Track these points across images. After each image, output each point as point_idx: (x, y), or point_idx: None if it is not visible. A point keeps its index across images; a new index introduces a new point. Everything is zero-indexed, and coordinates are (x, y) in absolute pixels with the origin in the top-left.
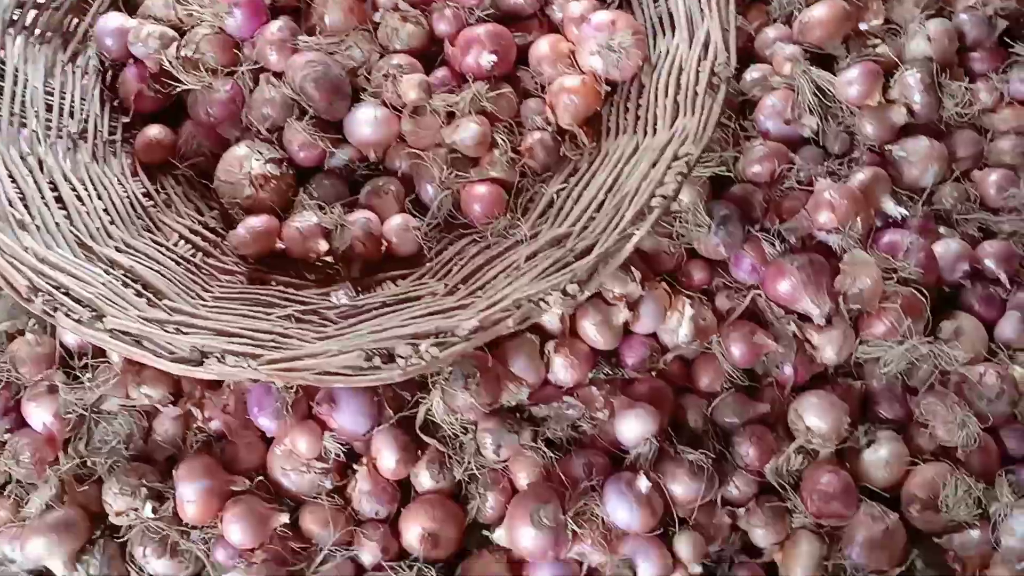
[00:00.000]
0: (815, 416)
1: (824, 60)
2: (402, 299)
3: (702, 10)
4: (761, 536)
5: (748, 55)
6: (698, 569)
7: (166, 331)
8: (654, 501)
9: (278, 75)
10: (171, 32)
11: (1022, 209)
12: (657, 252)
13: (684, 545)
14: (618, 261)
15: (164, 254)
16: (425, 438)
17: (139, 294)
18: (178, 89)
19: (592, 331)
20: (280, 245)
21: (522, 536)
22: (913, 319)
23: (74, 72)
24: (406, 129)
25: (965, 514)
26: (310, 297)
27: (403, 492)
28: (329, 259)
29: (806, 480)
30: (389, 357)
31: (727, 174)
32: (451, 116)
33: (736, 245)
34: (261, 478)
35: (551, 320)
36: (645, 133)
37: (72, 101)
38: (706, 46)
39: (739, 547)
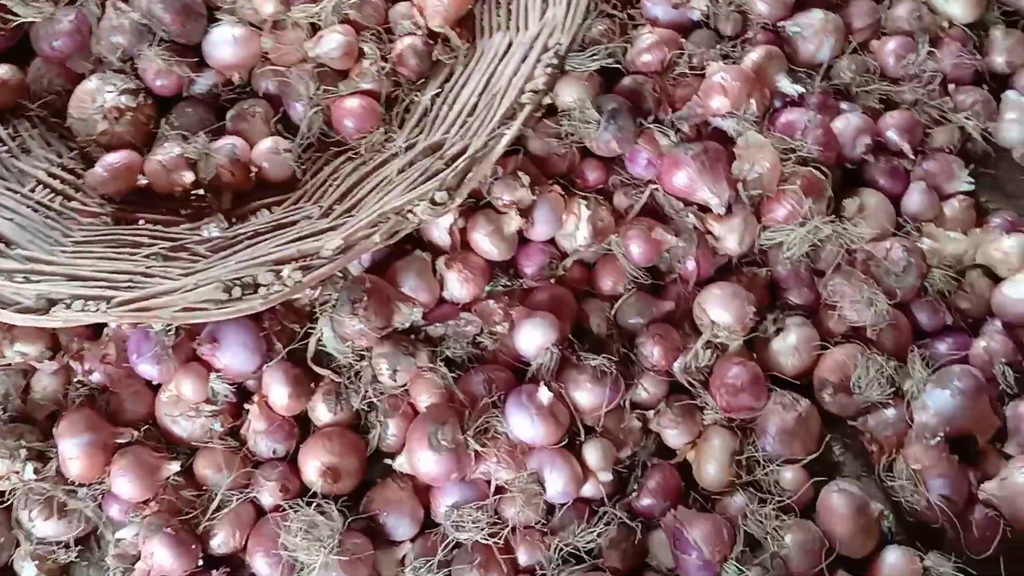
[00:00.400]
0: (719, 308)
1: None
2: (276, 226)
3: None
4: (673, 437)
5: None
6: (608, 476)
7: (13, 281)
8: (557, 412)
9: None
10: None
11: (923, 76)
12: (548, 155)
13: (592, 453)
14: (489, 163)
15: (19, 200)
16: (318, 370)
17: None
18: (17, 22)
19: (484, 242)
20: (143, 181)
21: (422, 460)
22: (814, 199)
23: None
24: (267, 46)
25: (878, 394)
26: (180, 233)
27: (303, 428)
28: (200, 192)
29: (714, 375)
30: (252, 287)
31: (616, 66)
32: (316, 29)
33: (629, 140)
34: (151, 428)
35: (440, 234)
36: (518, 28)
37: None
38: None
39: (653, 450)
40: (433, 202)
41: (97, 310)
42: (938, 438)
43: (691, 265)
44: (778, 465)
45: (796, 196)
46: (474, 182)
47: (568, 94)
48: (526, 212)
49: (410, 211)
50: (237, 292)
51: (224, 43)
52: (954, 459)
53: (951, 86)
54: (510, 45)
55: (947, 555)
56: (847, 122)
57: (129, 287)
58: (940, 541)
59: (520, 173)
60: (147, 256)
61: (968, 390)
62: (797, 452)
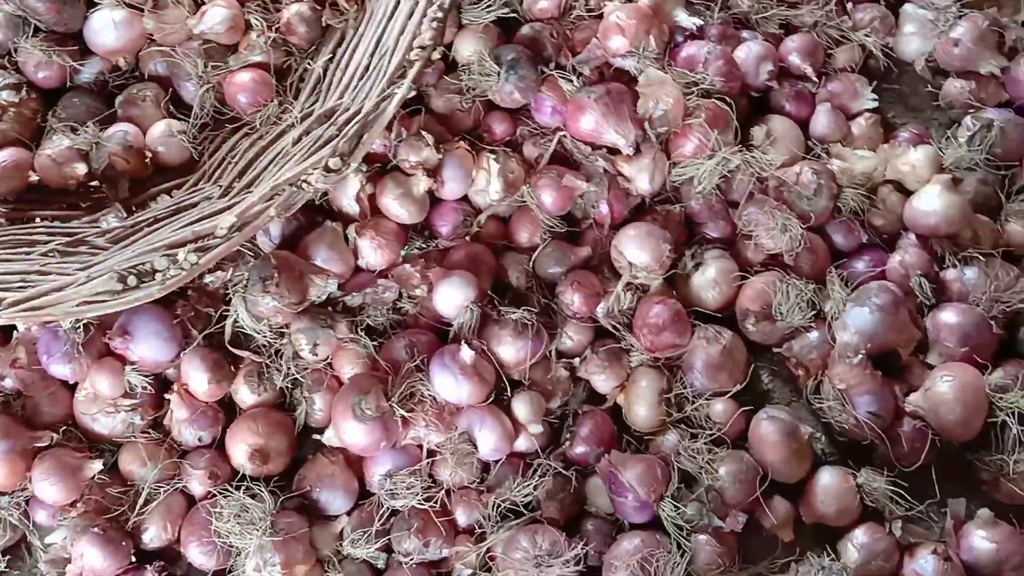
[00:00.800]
0: (635, 249)
1: None
2: (176, 210)
3: None
4: (602, 382)
5: None
6: (538, 429)
7: None
8: (482, 369)
9: None
10: None
11: None
12: (451, 112)
13: (521, 407)
14: (382, 124)
15: None
16: (237, 352)
17: None
18: None
19: (394, 206)
20: (35, 177)
21: (349, 432)
22: (721, 131)
23: None
24: (150, 27)
25: (800, 318)
26: (78, 227)
27: (228, 412)
28: (95, 183)
29: (637, 316)
30: (148, 274)
31: (513, 16)
32: (199, 5)
33: (531, 89)
34: (70, 428)
35: (349, 203)
36: None
37: None
38: None
39: (584, 398)
40: (327, 169)
41: None
42: (860, 356)
43: (604, 209)
44: (707, 399)
45: (702, 129)
46: (368, 145)
47: (466, 48)
48: (434, 172)
49: (304, 181)
50: (133, 281)
51: (105, 28)
52: (878, 375)
53: (849, 5)
54: (398, 3)
55: (879, 470)
56: (748, 50)
57: (21, 287)
58: (872, 457)
59: (424, 133)
60: (44, 254)
61: (886, 305)
62: (725, 384)
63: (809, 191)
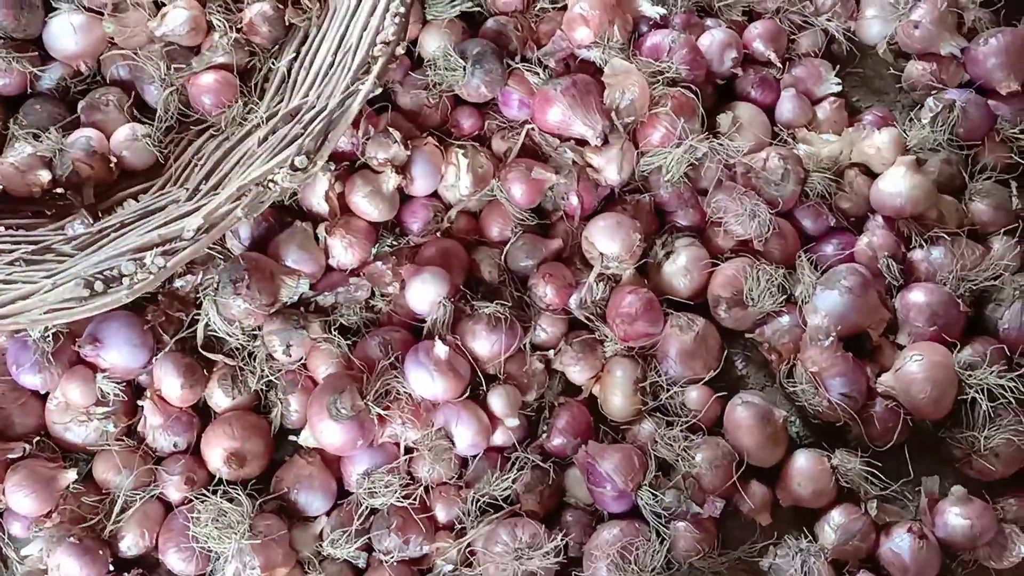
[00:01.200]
0: (606, 239)
1: None
2: (143, 214)
3: None
4: (577, 373)
5: None
6: (515, 422)
7: None
8: (457, 364)
9: None
10: None
11: None
12: (419, 108)
13: (497, 401)
14: (347, 121)
15: None
16: (210, 355)
17: None
18: None
19: (364, 204)
20: None
21: (325, 432)
22: (687, 119)
23: None
24: (111, 31)
25: (771, 303)
26: (44, 235)
27: (203, 417)
28: (61, 190)
29: (610, 306)
30: (115, 279)
31: (477, 10)
32: (159, 7)
33: (498, 82)
34: (43, 438)
35: (319, 202)
36: None
37: None
38: None
39: (560, 390)
40: (294, 167)
41: None
42: (831, 338)
43: (574, 200)
44: (682, 387)
45: (669, 118)
46: (334, 142)
47: (431, 43)
48: (403, 168)
49: (271, 180)
50: (100, 287)
51: (65, 33)
52: (849, 356)
53: None
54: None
55: (853, 451)
56: (712, 38)
57: None
58: (846, 439)
59: (392, 130)
60: (9, 263)
61: (855, 287)
62: (699, 371)
63: (776, 176)
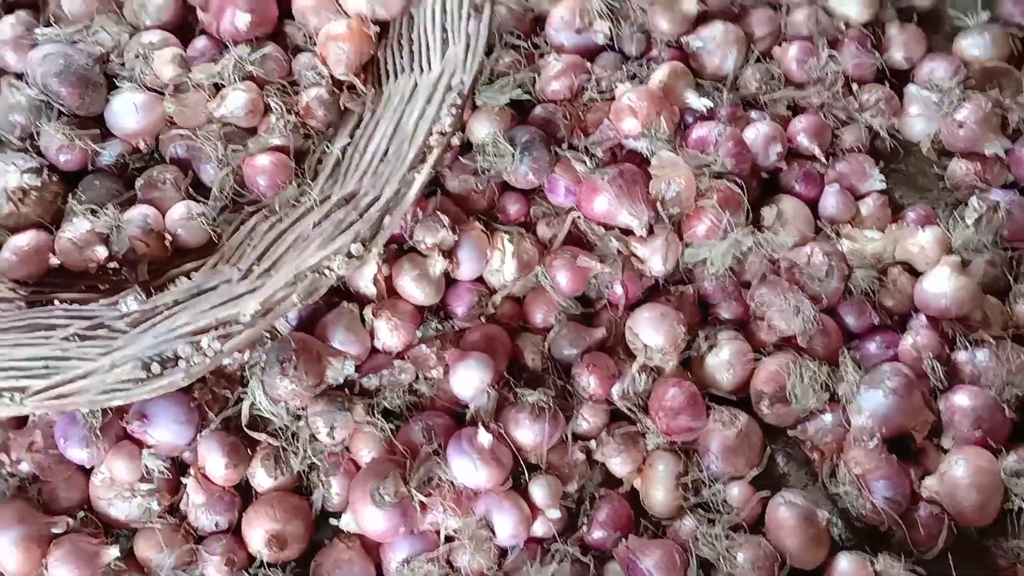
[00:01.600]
0: (650, 331)
1: None
2: (196, 293)
3: None
4: (618, 465)
5: None
6: (556, 513)
7: None
8: (499, 453)
9: (20, 76)
10: None
11: (826, 78)
12: (467, 192)
13: (539, 491)
14: (403, 210)
15: None
16: (254, 435)
17: None
18: None
19: (411, 287)
20: (55, 260)
21: (367, 518)
22: (732, 212)
23: None
24: (171, 110)
25: (814, 401)
26: (97, 310)
27: (245, 496)
28: (115, 265)
29: (652, 399)
30: (172, 360)
31: (526, 97)
32: (218, 87)
33: (545, 170)
34: (87, 513)
35: (366, 284)
36: (422, 69)
37: None
38: None
39: (600, 481)
40: (349, 255)
41: (13, 402)
42: (875, 439)
43: (619, 290)
44: (724, 483)
45: (714, 211)
46: (389, 231)
47: (481, 129)
48: (450, 253)
49: (327, 267)
50: (157, 368)
51: (126, 111)
52: (893, 459)
53: (855, 85)
54: (415, 87)
55: (897, 556)
56: (757, 131)
57: (45, 374)
58: (889, 542)
59: (440, 214)
60: (64, 339)
61: (900, 388)
62: (741, 468)
63: (820, 272)
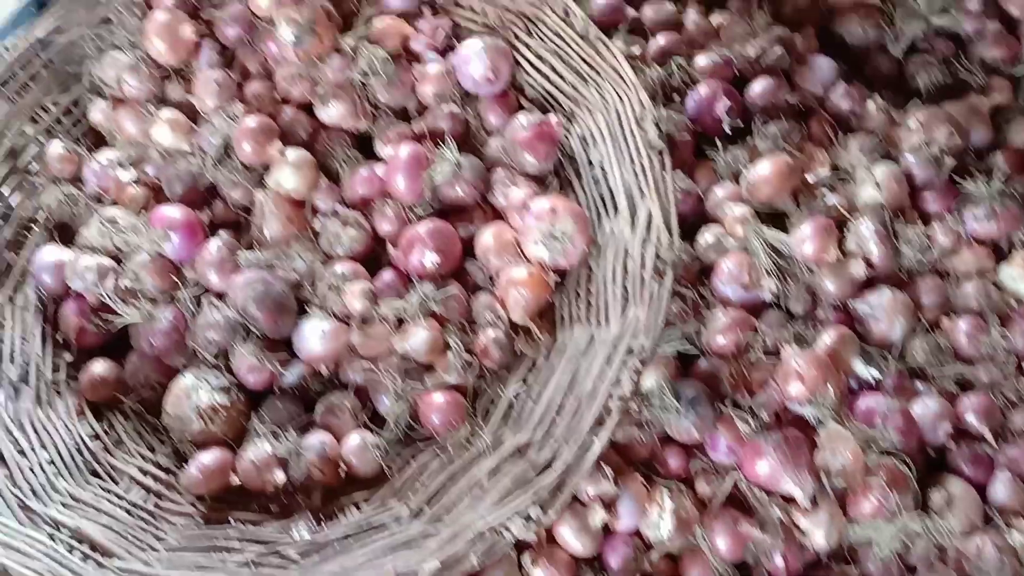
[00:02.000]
0: None
1: (777, 216)
2: (366, 528)
3: (641, 189)
4: None
5: (701, 215)
6: None
7: None
8: None
9: (220, 296)
10: (108, 262)
11: (996, 356)
12: (630, 442)
13: None
14: (583, 475)
15: (114, 503)
16: None
17: (85, 557)
18: (121, 324)
19: (571, 538)
20: (236, 480)
21: None
22: (900, 492)
23: (13, 312)
24: (357, 342)
25: None
26: (269, 535)
27: None
28: (290, 489)
29: None
30: None
31: (691, 349)
32: (401, 320)
33: (708, 426)
34: None
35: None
36: (599, 323)
37: (12, 344)
38: (648, 227)
39: None
40: (528, 518)
41: None
42: None
43: (779, 561)
44: None
45: (883, 490)
46: (567, 496)
47: (646, 380)
48: (610, 504)
49: (506, 528)
50: None
51: (314, 337)
52: None
53: None
54: (591, 340)
55: None
56: (925, 407)
57: None
58: None
59: (603, 465)
60: (241, 564)
61: None
62: None
63: (992, 567)
